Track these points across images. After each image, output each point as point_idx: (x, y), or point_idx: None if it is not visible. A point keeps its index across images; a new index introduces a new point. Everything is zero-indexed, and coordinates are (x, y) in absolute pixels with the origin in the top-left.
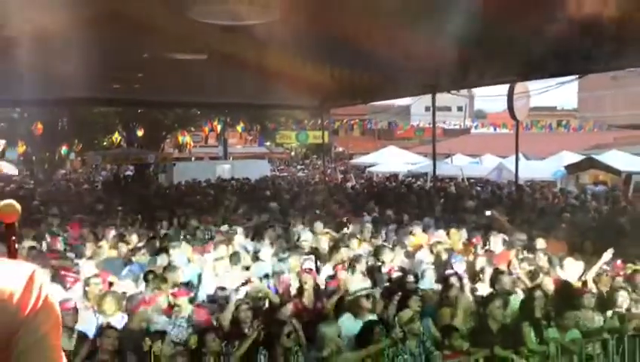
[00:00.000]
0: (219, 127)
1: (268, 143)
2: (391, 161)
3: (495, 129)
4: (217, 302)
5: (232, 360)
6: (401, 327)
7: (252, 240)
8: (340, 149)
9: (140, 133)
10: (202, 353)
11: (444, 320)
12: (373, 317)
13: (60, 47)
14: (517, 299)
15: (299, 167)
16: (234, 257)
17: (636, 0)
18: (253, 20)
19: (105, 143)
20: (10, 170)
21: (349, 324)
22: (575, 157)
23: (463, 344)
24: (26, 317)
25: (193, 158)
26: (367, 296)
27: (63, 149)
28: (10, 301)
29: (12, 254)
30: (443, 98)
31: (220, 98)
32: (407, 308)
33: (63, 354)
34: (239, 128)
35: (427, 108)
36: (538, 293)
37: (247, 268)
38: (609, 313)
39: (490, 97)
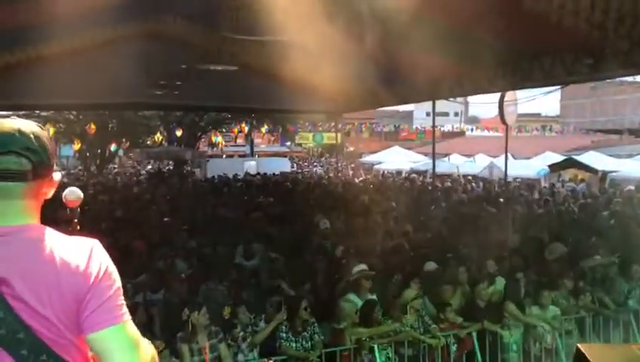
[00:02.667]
0: (246, 129)
1: (288, 143)
2: (396, 159)
3: (487, 132)
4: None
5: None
6: (405, 304)
7: None
8: (351, 149)
9: (178, 133)
10: (233, 324)
11: (441, 297)
12: (372, 296)
13: (111, 59)
14: (502, 280)
15: (315, 163)
16: None
17: (613, 19)
18: (276, 37)
19: (148, 142)
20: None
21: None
22: (557, 158)
23: (457, 318)
24: (91, 285)
25: (224, 156)
26: (367, 277)
27: (113, 146)
28: (77, 271)
29: (75, 233)
30: (442, 104)
31: (248, 104)
32: (409, 288)
33: (127, 310)
34: (263, 130)
35: (428, 114)
36: (520, 275)
37: None
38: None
39: (483, 104)
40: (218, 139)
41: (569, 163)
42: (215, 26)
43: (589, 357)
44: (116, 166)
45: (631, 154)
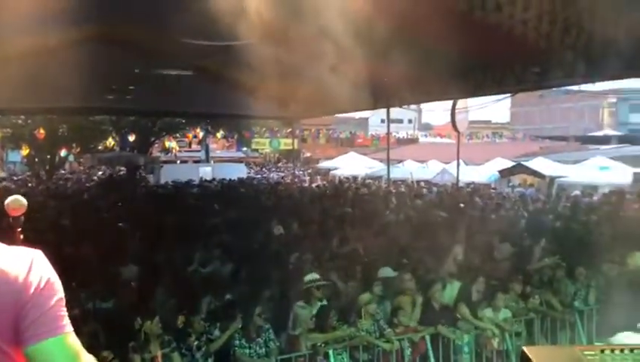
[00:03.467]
0: (201, 134)
1: (245, 149)
2: (352, 165)
3: (440, 139)
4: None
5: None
6: (360, 308)
7: None
8: (308, 155)
9: (131, 138)
10: (187, 333)
11: (395, 302)
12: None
13: (60, 62)
14: (456, 283)
15: (272, 169)
16: None
17: (559, 30)
18: (233, 41)
19: (100, 147)
20: None
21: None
22: (507, 164)
23: (411, 322)
24: (31, 296)
25: (178, 161)
26: (318, 287)
27: (63, 152)
28: (15, 282)
29: (18, 243)
30: (396, 112)
31: (203, 109)
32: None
33: (69, 322)
34: (219, 135)
35: (382, 120)
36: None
37: None
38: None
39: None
40: (172, 144)
41: (518, 168)
42: (170, 30)
43: (533, 360)
44: (66, 171)
45: (577, 160)
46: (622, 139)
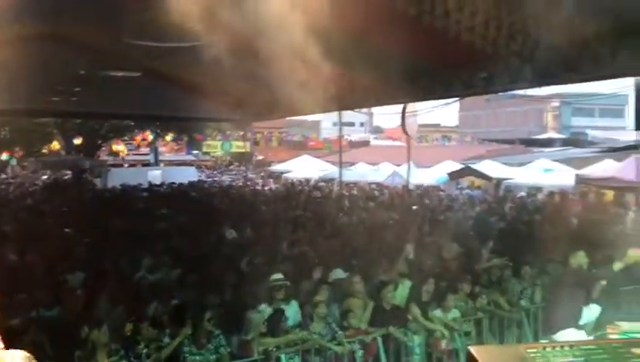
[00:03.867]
0: (150, 137)
1: (195, 152)
2: (304, 168)
3: (391, 142)
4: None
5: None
6: (312, 311)
7: None
8: (260, 157)
9: (77, 141)
10: (136, 340)
11: (346, 304)
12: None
13: (3, 62)
14: (407, 283)
15: (223, 172)
16: None
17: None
18: (182, 43)
19: (44, 150)
20: None
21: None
22: (455, 166)
23: (361, 324)
24: None
25: (126, 165)
26: (281, 287)
27: (4, 156)
28: None
29: None
30: (348, 115)
31: (152, 111)
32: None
33: None
34: (168, 138)
35: (335, 124)
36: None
37: None
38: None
39: (387, 115)
40: (120, 147)
41: (466, 171)
42: (117, 30)
43: (479, 359)
44: (8, 176)
45: (522, 162)
46: (565, 142)
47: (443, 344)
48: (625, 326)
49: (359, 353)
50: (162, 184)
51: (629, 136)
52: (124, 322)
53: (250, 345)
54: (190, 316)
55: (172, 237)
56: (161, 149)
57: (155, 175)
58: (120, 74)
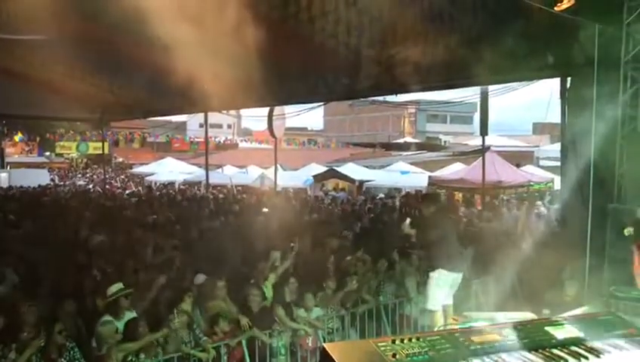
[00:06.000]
0: None
1: (48, 153)
2: (168, 170)
3: (259, 144)
4: None
5: None
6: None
7: None
8: (120, 160)
9: None
10: None
11: (211, 309)
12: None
13: None
14: (270, 285)
15: (79, 175)
16: None
17: (365, 45)
18: (31, 36)
19: None
20: None
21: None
22: (321, 169)
23: (226, 327)
24: None
25: None
26: (126, 296)
27: None
28: None
29: None
30: (215, 116)
31: None
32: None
33: None
34: (16, 138)
35: (201, 125)
36: (288, 279)
37: None
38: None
39: (255, 117)
40: None
41: (330, 173)
42: None
43: (333, 355)
44: None
45: (382, 165)
46: (420, 146)
47: (308, 343)
48: (473, 315)
49: (224, 358)
50: (10, 188)
51: (477, 141)
52: None
53: (105, 359)
54: (39, 328)
55: (21, 245)
56: (10, 150)
57: (1, 178)
58: None
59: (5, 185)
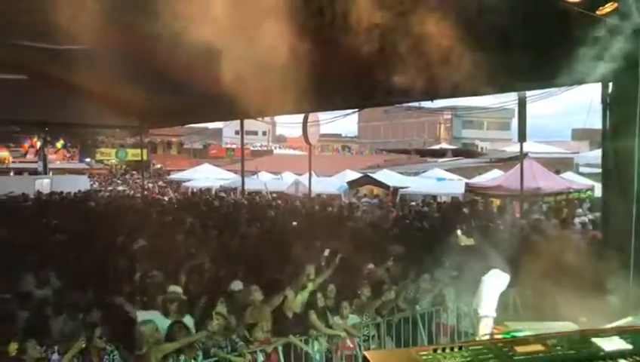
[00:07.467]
0: (38, 144)
1: (88, 159)
2: (205, 177)
3: (293, 151)
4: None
5: None
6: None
7: None
8: (159, 166)
9: None
10: (21, 360)
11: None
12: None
13: None
14: (307, 291)
15: (118, 181)
16: None
17: (401, 51)
18: (74, 45)
19: None
20: None
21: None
22: (355, 175)
23: (263, 335)
24: None
25: (12, 173)
26: (172, 301)
27: None
28: None
29: None
30: (250, 123)
31: (41, 116)
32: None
33: None
34: (59, 145)
35: (237, 132)
36: (325, 286)
37: None
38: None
39: (289, 124)
40: (4, 154)
41: (365, 180)
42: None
43: None
44: None
45: (417, 171)
46: (456, 153)
47: (343, 350)
48: (512, 325)
49: None
50: (52, 193)
51: (514, 148)
52: (8, 341)
53: (145, 359)
54: (82, 331)
55: (64, 248)
56: (52, 157)
57: (43, 183)
58: (5, 76)
59: (48, 190)
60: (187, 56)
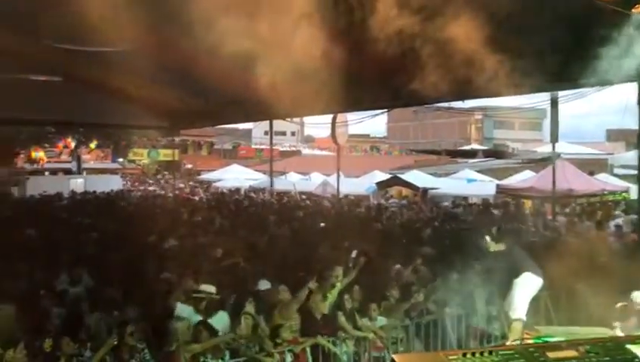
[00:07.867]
0: (72, 144)
1: (121, 160)
2: (234, 177)
3: (322, 151)
4: None
5: None
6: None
7: None
8: (189, 166)
9: None
10: (56, 357)
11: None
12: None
13: None
14: (335, 291)
15: (150, 181)
16: None
17: (431, 51)
18: (107, 47)
19: None
20: None
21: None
22: (384, 176)
23: (291, 335)
24: None
25: (47, 173)
26: (201, 299)
27: None
28: None
29: None
30: (279, 124)
31: (75, 117)
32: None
33: None
34: (92, 145)
35: (266, 132)
36: (353, 287)
37: None
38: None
39: (318, 125)
40: (39, 154)
41: (393, 181)
42: (38, 32)
43: None
44: None
45: (447, 172)
46: (487, 153)
47: (372, 352)
48: (543, 330)
49: None
50: (86, 192)
51: (546, 148)
52: (43, 338)
53: (174, 356)
54: (112, 330)
55: (98, 247)
56: (86, 157)
57: (78, 183)
58: (40, 78)
59: (81, 190)
60: (219, 59)
